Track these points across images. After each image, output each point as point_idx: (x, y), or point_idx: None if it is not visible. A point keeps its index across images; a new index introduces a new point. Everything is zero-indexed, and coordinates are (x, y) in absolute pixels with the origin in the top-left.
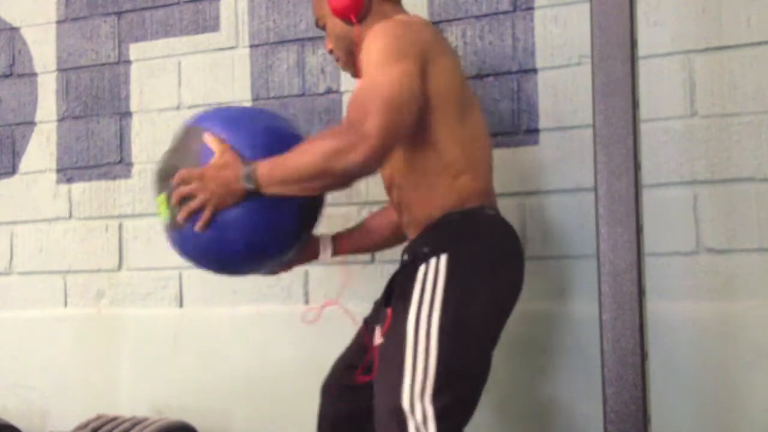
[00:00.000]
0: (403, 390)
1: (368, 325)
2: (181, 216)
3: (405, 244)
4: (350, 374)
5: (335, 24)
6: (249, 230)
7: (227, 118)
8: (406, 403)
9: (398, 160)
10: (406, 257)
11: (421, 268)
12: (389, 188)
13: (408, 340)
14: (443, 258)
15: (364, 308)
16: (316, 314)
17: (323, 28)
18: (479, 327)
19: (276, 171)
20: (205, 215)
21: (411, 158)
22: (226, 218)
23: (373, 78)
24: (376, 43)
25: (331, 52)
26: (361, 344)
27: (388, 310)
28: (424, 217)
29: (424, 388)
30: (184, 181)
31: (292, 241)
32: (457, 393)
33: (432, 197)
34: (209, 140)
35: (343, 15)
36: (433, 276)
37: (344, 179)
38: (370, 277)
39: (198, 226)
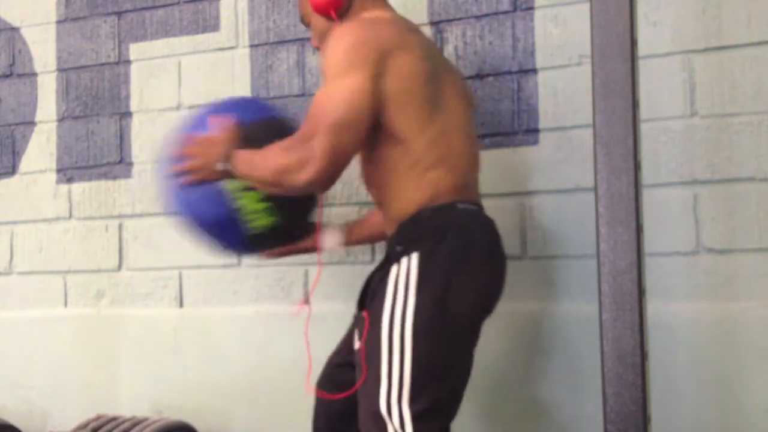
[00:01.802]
0: (381, 395)
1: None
2: (169, 169)
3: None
4: (341, 372)
5: (318, 21)
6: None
7: None
8: (383, 408)
9: (369, 159)
10: (385, 252)
11: (393, 269)
12: (367, 187)
13: (383, 344)
14: (414, 257)
15: None
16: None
17: (308, 25)
18: (455, 327)
19: (245, 167)
20: (191, 178)
21: (379, 156)
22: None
23: (328, 91)
24: (335, 48)
25: (317, 48)
26: (349, 343)
27: (364, 314)
28: (398, 214)
29: (401, 392)
30: (190, 143)
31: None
32: (435, 396)
33: (403, 194)
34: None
35: (324, 11)
36: (405, 277)
37: (294, 192)
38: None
39: (180, 181)
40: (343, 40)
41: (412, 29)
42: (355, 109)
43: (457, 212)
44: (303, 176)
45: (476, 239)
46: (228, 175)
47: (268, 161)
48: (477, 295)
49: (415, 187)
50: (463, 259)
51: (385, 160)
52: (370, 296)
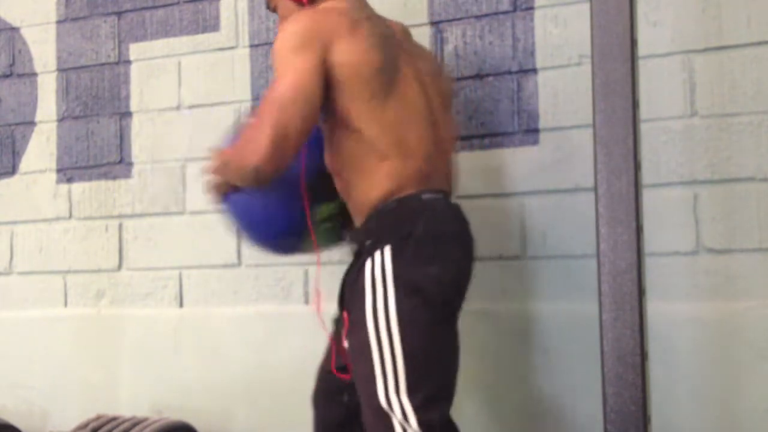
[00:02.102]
0: (378, 391)
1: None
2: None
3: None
4: (334, 379)
5: (286, 6)
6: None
7: None
8: (384, 403)
9: (329, 148)
10: (352, 249)
11: (367, 265)
12: (334, 178)
13: (371, 341)
14: (387, 250)
15: None
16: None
17: (274, 10)
18: (437, 314)
19: (221, 172)
20: (214, 193)
21: (338, 145)
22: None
23: (275, 80)
24: (281, 38)
25: None
26: (336, 348)
27: (344, 314)
28: (362, 205)
29: (397, 385)
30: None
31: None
32: (431, 384)
33: (365, 184)
34: None
35: None
36: (380, 271)
37: (250, 183)
38: None
39: (211, 197)
40: (289, 29)
41: (369, 18)
42: (300, 88)
43: (423, 203)
44: (251, 160)
45: (445, 229)
46: (233, 186)
47: (225, 157)
48: (452, 281)
49: (376, 178)
50: (435, 246)
51: (341, 149)
52: (348, 295)
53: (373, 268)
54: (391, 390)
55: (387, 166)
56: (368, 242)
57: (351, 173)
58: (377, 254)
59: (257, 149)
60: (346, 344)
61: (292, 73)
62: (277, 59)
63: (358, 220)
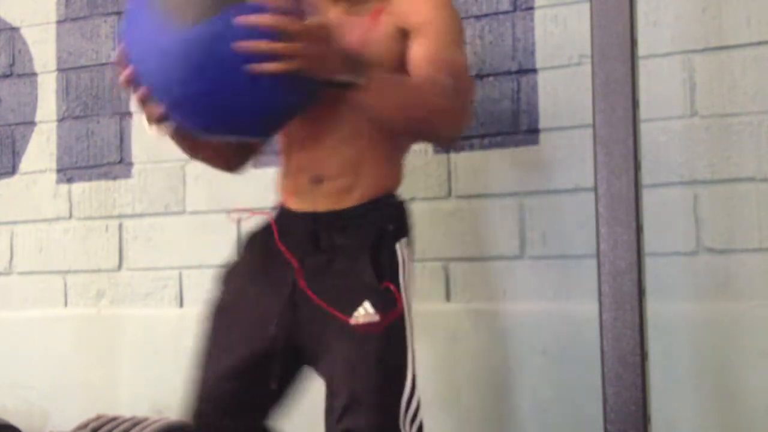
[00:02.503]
0: (401, 409)
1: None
2: (271, 67)
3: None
4: (252, 388)
5: None
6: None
7: None
8: (407, 396)
9: (359, 131)
10: (343, 222)
11: (398, 247)
12: (325, 148)
13: (408, 342)
14: (404, 242)
15: None
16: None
17: None
18: None
19: (396, 91)
20: (279, 67)
21: (380, 135)
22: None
23: (461, 56)
24: (445, 10)
25: None
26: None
27: (392, 288)
28: (372, 186)
29: (408, 407)
30: (290, 34)
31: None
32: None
33: (384, 172)
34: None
35: None
36: (403, 258)
37: (438, 139)
38: None
39: (257, 67)
40: (451, 8)
41: None
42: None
43: (406, 207)
44: (458, 125)
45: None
46: (339, 84)
47: (428, 97)
48: None
49: (392, 171)
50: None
51: (382, 139)
52: (376, 269)
53: (402, 253)
54: (408, 414)
55: (400, 166)
56: (390, 226)
57: (389, 156)
58: (402, 241)
59: (464, 121)
60: (362, 317)
61: (464, 53)
62: (449, 35)
63: (335, 196)
